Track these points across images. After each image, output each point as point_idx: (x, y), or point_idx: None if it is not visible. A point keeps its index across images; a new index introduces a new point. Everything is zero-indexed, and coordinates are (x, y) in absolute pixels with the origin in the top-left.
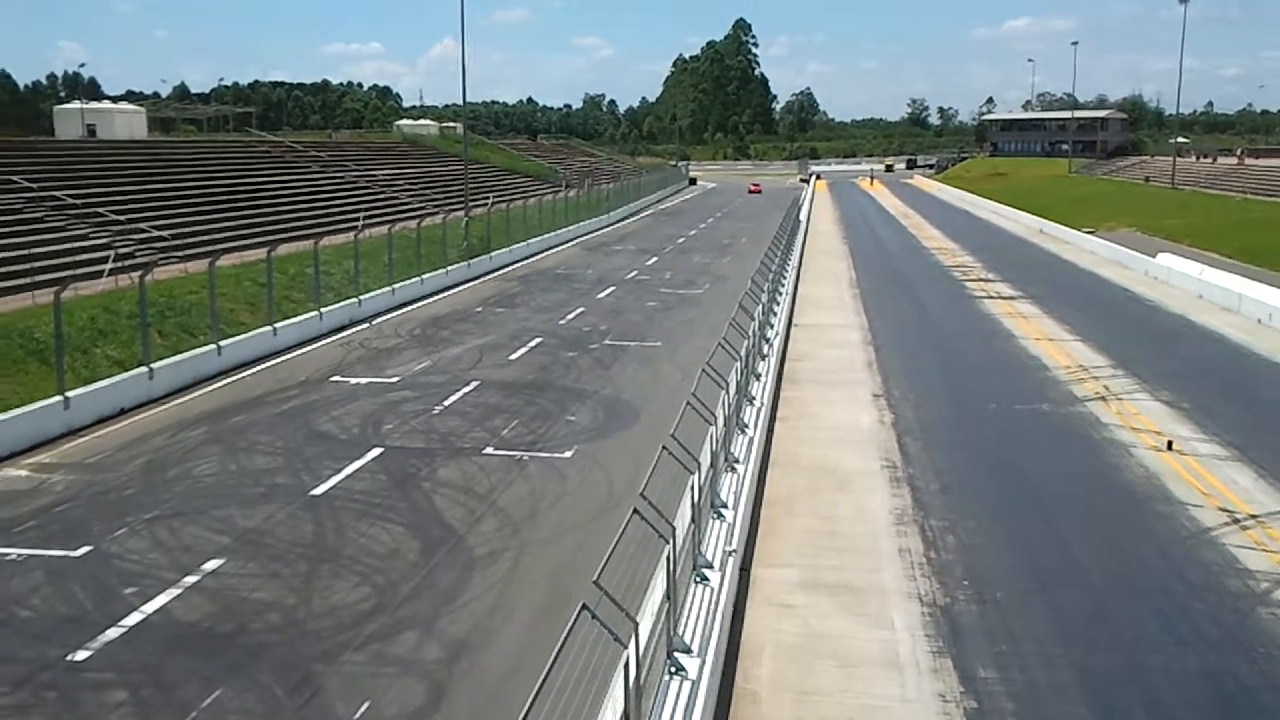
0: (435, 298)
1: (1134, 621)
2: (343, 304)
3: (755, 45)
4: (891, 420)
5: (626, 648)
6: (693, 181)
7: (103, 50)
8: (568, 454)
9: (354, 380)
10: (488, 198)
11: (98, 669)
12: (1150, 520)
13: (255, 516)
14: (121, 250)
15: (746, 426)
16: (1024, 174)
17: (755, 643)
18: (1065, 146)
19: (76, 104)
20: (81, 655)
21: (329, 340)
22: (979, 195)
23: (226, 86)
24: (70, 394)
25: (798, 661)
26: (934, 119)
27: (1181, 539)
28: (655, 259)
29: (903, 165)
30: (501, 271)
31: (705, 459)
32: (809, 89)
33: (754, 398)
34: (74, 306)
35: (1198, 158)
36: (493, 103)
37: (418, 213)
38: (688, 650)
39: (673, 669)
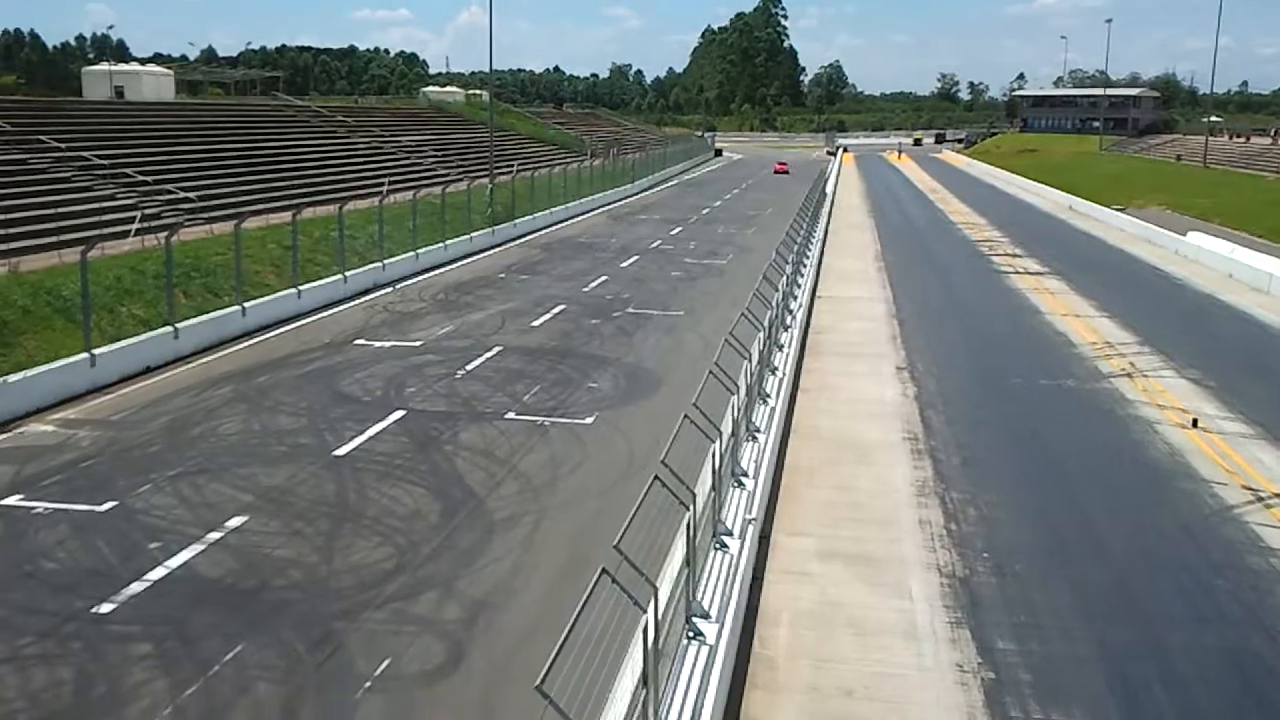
0: (459, 263)
1: (1155, 597)
2: (367, 268)
3: (784, 17)
4: (914, 393)
5: (646, 612)
6: (718, 153)
7: (131, 12)
8: (589, 420)
9: (377, 343)
10: (512, 165)
11: (122, 621)
12: (1173, 497)
13: (278, 475)
14: (148, 211)
15: (768, 397)
16: (1054, 150)
17: (773, 610)
18: (1096, 124)
19: (105, 65)
20: (106, 608)
21: (353, 304)
22: (1008, 171)
23: (254, 50)
24: (96, 352)
25: (815, 629)
26: (964, 94)
27: (1204, 516)
28: (679, 229)
29: (931, 140)
30: (525, 239)
31: (727, 428)
32: (838, 61)
33: (776, 368)
34: (101, 266)
35: (1231, 137)
36: (519, 71)
37: (442, 179)
38: (706, 616)
39: (691, 634)
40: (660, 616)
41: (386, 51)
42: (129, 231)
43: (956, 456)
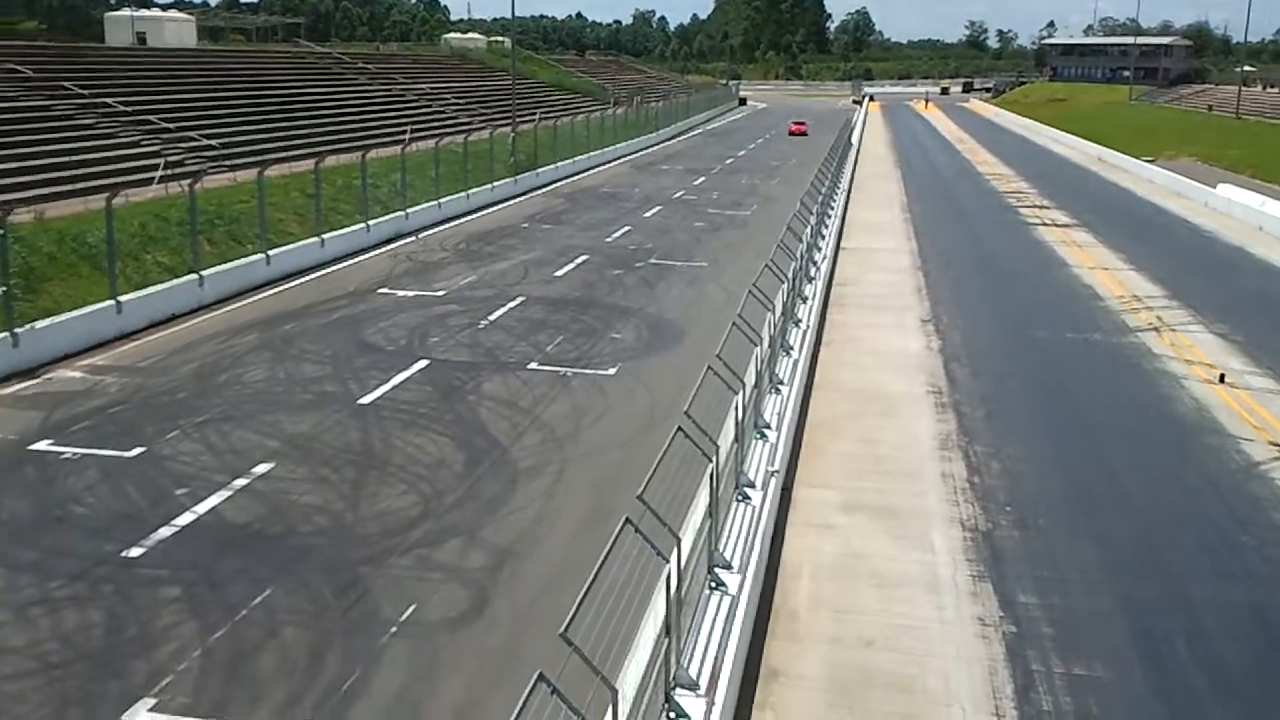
0: (481, 213)
1: (1180, 552)
2: (389, 217)
3: None
4: (939, 346)
5: (668, 562)
6: (743, 101)
7: None
8: (611, 371)
9: (401, 292)
10: (535, 113)
11: (151, 565)
12: (1200, 452)
13: (304, 423)
14: (171, 158)
15: (792, 349)
16: (1083, 100)
17: (795, 562)
18: (1127, 73)
19: (127, 11)
20: (135, 552)
21: (376, 252)
22: (1036, 121)
23: None
24: (122, 299)
25: (837, 581)
26: (992, 42)
27: (1231, 471)
28: (703, 179)
29: (959, 88)
30: (548, 188)
31: (750, 379)
32: (865, 8)
33: (800, 320)
34: (125, 213)
35: (1264, 87)
36: (541, 17)
37: (465, 127)
38: (728, 566)
39: (713, 584)
40: (683, 566)
41: None
42: (153, 179)
43: (981, 409)
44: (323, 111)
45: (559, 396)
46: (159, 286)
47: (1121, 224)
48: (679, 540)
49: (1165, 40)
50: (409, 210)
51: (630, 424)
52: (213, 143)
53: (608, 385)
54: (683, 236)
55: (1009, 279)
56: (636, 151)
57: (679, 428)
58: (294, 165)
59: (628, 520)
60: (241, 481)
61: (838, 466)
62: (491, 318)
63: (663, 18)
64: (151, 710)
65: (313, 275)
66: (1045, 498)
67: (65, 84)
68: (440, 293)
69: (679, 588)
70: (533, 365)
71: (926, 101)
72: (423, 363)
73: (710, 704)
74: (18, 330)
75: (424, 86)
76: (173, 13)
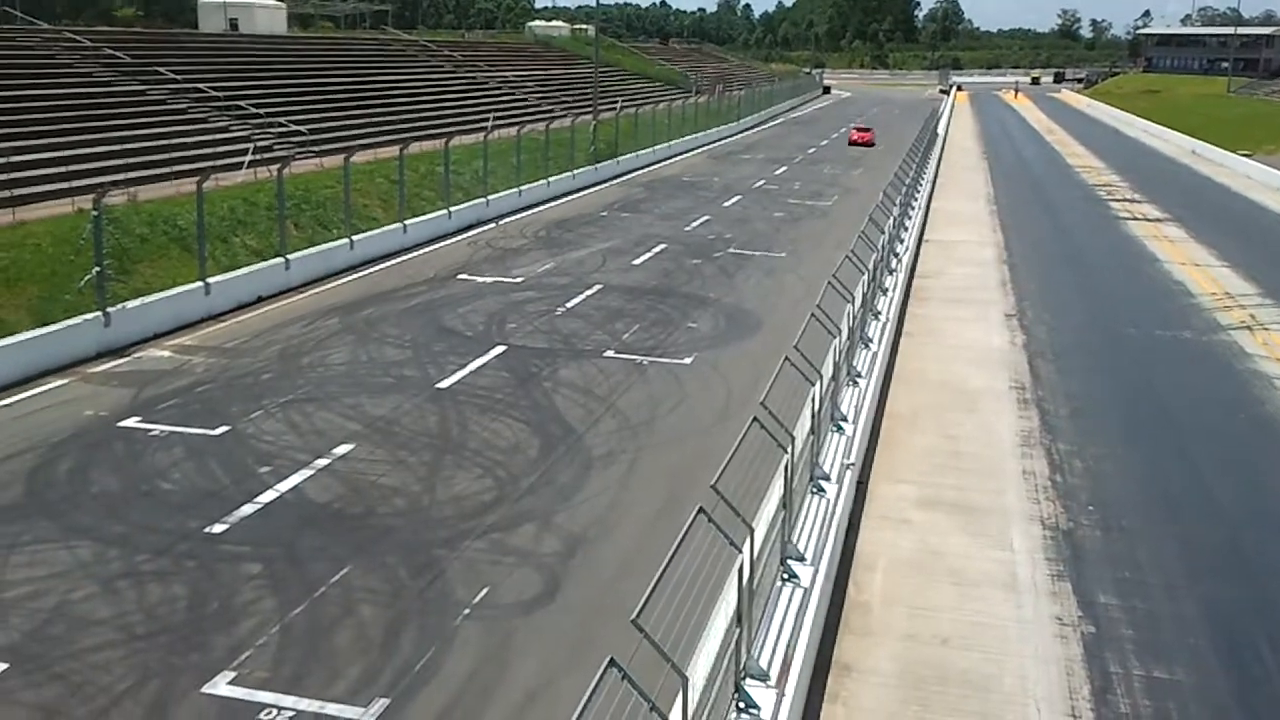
0: (561, 200)
1: (1266, 557)
2: (471, 203)
3: None
4: (1023, 341)
5: (741, 552)
6: (826, 90)
7: None
8: (688, 360)
9: (480, 279)
10: (616, 102)
11: (234, 542)
12: None
13: (384, 405)
14: (260, 143)
15: (871, 341)
16: (1179, 92)
17: (869, 556)
18: (1225, 64)
19: None
20: (219, 528)
21: (457, 239)
22: (1129, 112)
23: None
24: (211, 280)
25: (912, 577)
26: (1085, 31)
27: None
28: (784, 169)
29: (1050, 79)
30: (627, 177)
31: (827, 371)
32: None
33: (880, 312)
34: (215, 196)
35: None
36: (625, 5)
37: (546, 115)
38: (801, 559)
39: (786, 576)
40: (755, 557)
41: None
42: (242, 163)
43: (1065, 407)
44: (408, 98)
45: (635, 385)
46: (246, 269)
47: (1215, 219)
48: (752, 531)
49: (1267, 30)
50: (490, 197)
51: (705, 414)
52: (301, 128)
53: (683, 374)
54: (762, 226)
55: (1097, 274)
56: (717, 140)
57: (754, 418)
58: (379, 151)
59: (701, 509)
60: (323, 461)
61: (915, 461)
62: (569, 305)
63: (747, 5)
64: (231, 683)
65: (395, 260)
66: (1128, 498)
67: (159, 69)
68: (519, 279)
69: (751, 578)
70: (609, 353)
71: (1016, 91)
72: (500, 348)
73: (780, 695)
74: (110, 310)
75: (507, 74)
76: None
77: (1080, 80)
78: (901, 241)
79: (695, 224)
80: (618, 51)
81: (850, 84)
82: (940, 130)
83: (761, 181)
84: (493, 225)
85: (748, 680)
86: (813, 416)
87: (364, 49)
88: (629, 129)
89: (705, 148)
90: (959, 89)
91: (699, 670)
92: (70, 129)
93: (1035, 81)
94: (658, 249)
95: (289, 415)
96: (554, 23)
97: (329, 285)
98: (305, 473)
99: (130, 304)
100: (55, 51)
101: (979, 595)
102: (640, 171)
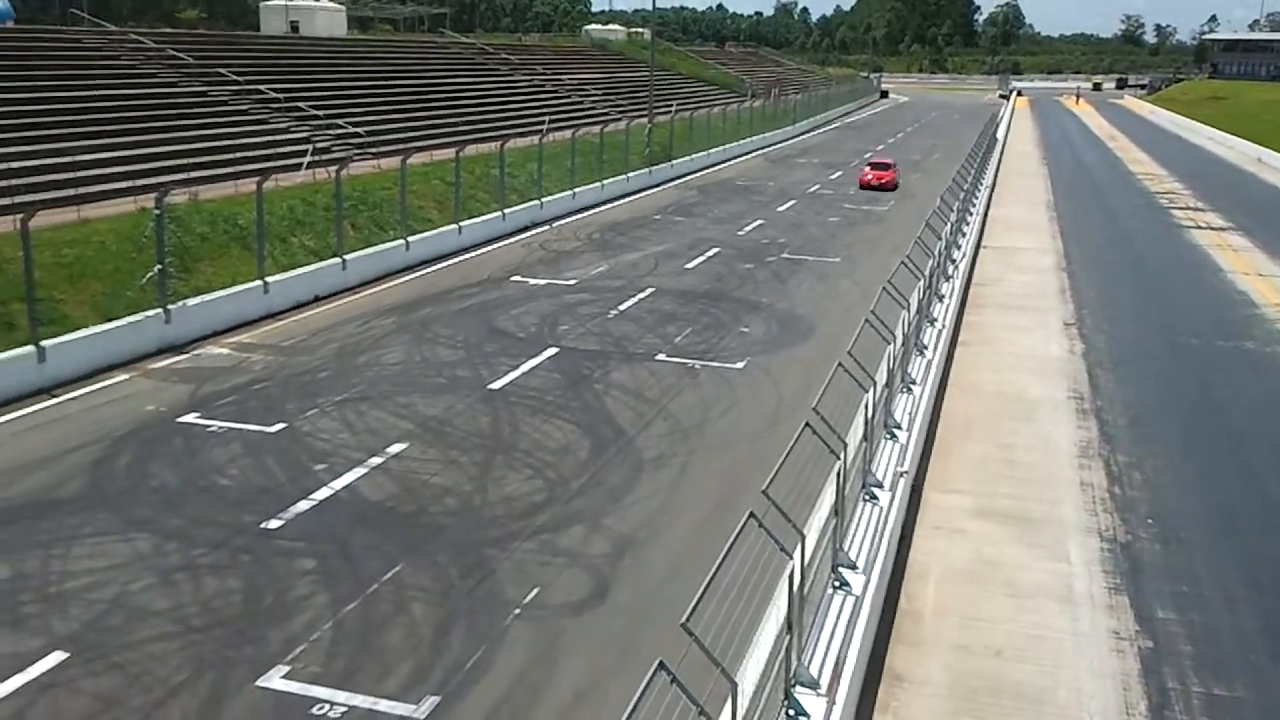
0: (615, 203)
1: None
2: (525, 206)
3: None
4: (1082, 350)
5: (792, 558)
6: (884, 94)
7: None
8: (740, 365)
9: (533, 281)
10: (672, 105)
11: (289, 537)
12: None
13: (437, 405)
14: (319, 144)
15: (926, 348)
16: (1246, 99)
17: (922, 565)
18: None
19: (281, 0)
20: (274, 524)
21: (510, 240)
22: (1193, 119)
23: None
24: (269, 279)
25: (966, 587)
26: (1149, 37)
27: None
28: (839, 173)
29: (1112, 85)
30: (682, 180)
31: (881, 378)
32: (1015, 1)
33: (935, 319)
34: (274, 196)
35: None
36: (681, 8)
37: (602, 118)
38: (853, 566)
39: (837, 583)
40: (806, 564)
41: None
42: (301, 164)
43: (1124, 417)
44: (465, 101)
45: (686, 388)
46: (304, 269)
47: None
48: (803, 537)
49: None
50: (544, 199)
51: (757, 419)
52: (359, 130)
53: (735, 379)
54: (816, 231)
55: (1159, 282)
56: (773, 144)
57: (806, 423)
58: (435, 153)
59: (751, 514)
60: (377, 460)
61: (970, 470)
62: (621, 308)
63: (804, 9)
64: (285, 677)
65: (449, 261)
66: (1188, 511)
67: (222, 71)
68: (571, 282)
69: (802, 585)
70: (661, 356)
71: (1078, 97)
72: (552, 350)
73: (831, 703)
74: (171, 307)
75: (564, 77)
76: (324, 2)
77: (1143, 86)
78: (959, 247)
79: (749, 228)
80: (674, 55)
81: (908, 88)
82: (999, 135)
83: (816, 186)
84: (546, 228)
85: (798, 687)
86: (866, 423)
87: (422, 52)
88: (684, 132)
89: (760, 152)
90: (1019, 94)
91: (748, 676)
92: (134, 129)
93: (1097, 88)
94: (711, 253)
95: (344, 414)
96: (610, 26)
97: (384, 285)
98: (359, 471)
99: (190, 301)
100: (120, 53)
101: (1034, 607)
102: (694, 175)
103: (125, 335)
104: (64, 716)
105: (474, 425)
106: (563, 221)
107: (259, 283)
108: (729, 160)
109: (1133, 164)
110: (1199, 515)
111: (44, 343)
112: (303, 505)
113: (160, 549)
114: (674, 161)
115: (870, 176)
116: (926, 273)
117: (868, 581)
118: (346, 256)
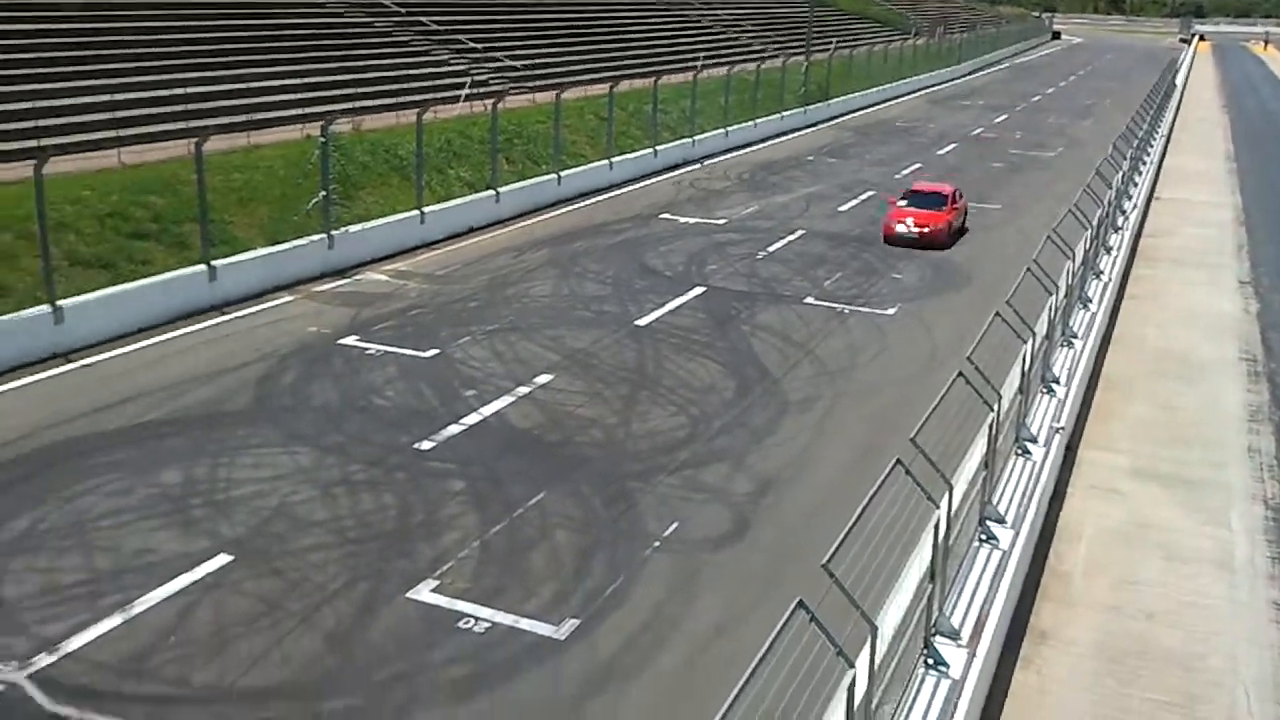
0: (768, 143)
1: None
2: (676, 143)
3: None
4: (1257, 310)
5: (938, 508)
6: (1056, 35)
7: None
8: (890, 311)
9: (682, 219)
10: (831, 42)
11: (440, 459)
12: None
13: (584, 339)
14: (477, 77)
15: (1090, 301)
16: None
17: (1074, 525)
18: None
19: None
20: (427, 445)
21: (661, 178)
22: None
23: None
24: (426, 209)
25: (1119, 549)
26: None
27: None
28: (1005, 116)
29: None
30: (838, 120)
31: (1040, 329)
32: None
33: (1101, 272)
34: (432, 128)
35: None
36: None
37: (758, 55)
38: (1001, 521)
39: (984, 536)
40: (953, 515)
41: None
42: (459, 96)
43: None
44: (621, 36)
45: (834, 332)
46: (459, 200)
47: None
48: (951, 487)
49: None
50: (696, 137)
51: (907, 366)
52: (516, 64)
53: (886, 325)
54: (977, 176)
55: None
56: (935, 85)
57: (959, 372)
58: (589, 89)
59: (898, 461)
60: (524, 389)
61: (1130, 430)
62: (770, 249)
63: None
64: (433, 591)
65: (600, 197)
66: None
67: (385, 2)
68: (721, 221)
69: (947, 536)
70: (809, 299)
71: (1266, 43)
72: (699, 289)
73: (971, 655)
74: (334, 233)
75: (720, 13)
76: None
77: None
78: (1130, 198)
79: (906, 172)
80: None
81: (1082, 29)
82: (1178, 82)
83: (980, 129)
84: (698, 166)
85: (938, 637)
86: (1022, 375)
87: None
88: (842, 71)
89: (922, 92)
90: (1201, 38)
91: (888, 621)
92: (302, 58)
93: None
94: (864, 196)
95: (494, 343)
96: None
97: (536, 219)
98: (507, 399)
99: (352, 228)
100: None
101: (1190, 573)
102: (852, 115)
103: (290, 258)
104: (228, 615)
105: (620, 360)
106: (714, 160)
107: (416, 212)
108: (889, 100)
109: None
110: None
111: (215, 262)
112: (454, 429)
113: (320, 463)
114: (831, 101)
115: (899, 218)
116: (1094, 223)
117: (1016, 535)
118: (500, 189)
